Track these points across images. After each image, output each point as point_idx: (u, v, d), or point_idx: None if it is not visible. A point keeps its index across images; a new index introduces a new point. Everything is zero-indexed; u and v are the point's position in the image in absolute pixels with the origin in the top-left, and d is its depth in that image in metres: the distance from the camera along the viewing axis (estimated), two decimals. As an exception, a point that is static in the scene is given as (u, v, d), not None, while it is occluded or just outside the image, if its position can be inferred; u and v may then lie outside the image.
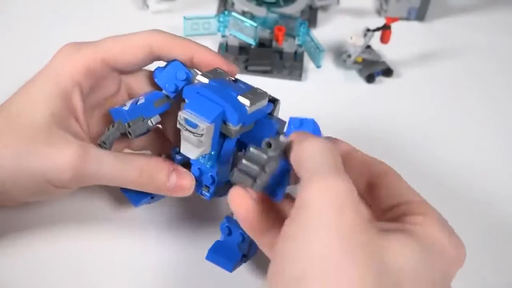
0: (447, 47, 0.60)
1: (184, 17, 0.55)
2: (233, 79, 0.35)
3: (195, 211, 0.41)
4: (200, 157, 0.34)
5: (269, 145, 0.28)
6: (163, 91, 0.37)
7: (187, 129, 0.31)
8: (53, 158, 0.32)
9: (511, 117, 0.53)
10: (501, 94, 0.55)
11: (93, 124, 0.37)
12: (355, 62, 0.55)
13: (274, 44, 0.55)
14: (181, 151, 0.33)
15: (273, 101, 0.36)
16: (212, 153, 0.34)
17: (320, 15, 0.63)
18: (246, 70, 0.54)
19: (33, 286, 0.36)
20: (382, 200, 0.29)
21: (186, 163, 0.36)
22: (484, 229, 0.43)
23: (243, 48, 0.56)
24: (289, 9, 0.58)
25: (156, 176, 0.34)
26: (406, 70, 0.57)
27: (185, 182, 0.35)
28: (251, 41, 0.54)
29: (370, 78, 0.55)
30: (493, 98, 0.55)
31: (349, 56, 0.55)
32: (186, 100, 0.32)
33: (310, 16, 0.62)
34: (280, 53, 0.56)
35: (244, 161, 0.28)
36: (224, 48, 0.56)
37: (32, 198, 0.36)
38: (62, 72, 0.34)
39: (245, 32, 0.54)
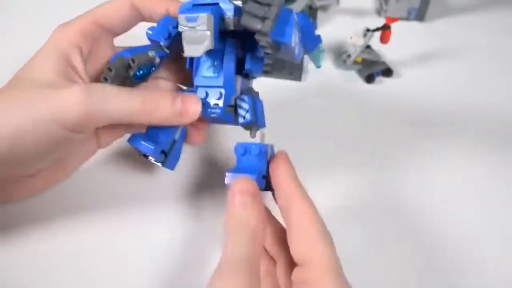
0: (447, 47, 0.60)
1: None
2: None
3: (198, 208, 0.42)
4: (205, 70, 0.36)
5: None
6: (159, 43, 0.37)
7: (189, 27, 0.32)
8: (59, 98, 0.33)
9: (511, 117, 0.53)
10: (501, 93, 0.55)
11: None
12: (355, 62, 0.55)
13: (274, 44, 0.55)
14: (185, 54, 0.34)
15: None
16: (215, 63, 0.35)
17: (320, 15, 0.63)
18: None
19: (32, 280, 0.36)
20: (290, 252, 0.32)
21: None
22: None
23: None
24: (289, 9, 0.58)
25: (160, 103, 0.35)
26: (406, 70, 0.57)
27: (191, 105, 0.35)
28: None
29: (370, 78, 0.55)
30: (494, 98, 0.55)
31: (349, 56, 0.55)
32: (183, 11, 0.34)
33: (310, 16, 0.62)
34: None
35: (249, 2, 0.30)
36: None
37: (47, 157, 0.36)
38: (60, 39, 0.36)
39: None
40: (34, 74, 0.35)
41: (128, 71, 0.37)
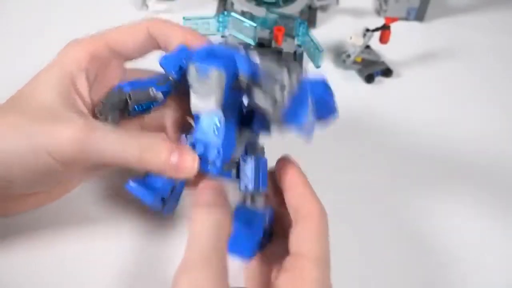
0: (447, 47, 0.60)
1: (184, 18, 0.55)
2: None
3: None
4: (205, 124, 0.33)
5: (288, 70, 0.29)
6: (168, 75, 0.36)
7: (198, 80, 0.31)
8: (55, 132, 0.33)
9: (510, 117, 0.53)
10: (502, 93, 0.55)
11: None
12: (355, 62, 0.55)
13: (273, 44, 0.55)
14: (191, 108, 0.32)
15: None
16: (217, 119, 0.33)
17: (320, 15, 0.63)
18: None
19: None
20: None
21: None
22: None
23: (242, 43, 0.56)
24: (289, 9, 0.58)
25: (157, 153, 0.33)
26: (405, 70, 0.57)
27: (187, 161, 0.34)
28: (251, 41, 0.54)
29: (369, 78, 0.55)
30: (494, 98, 0.55)
31: (349, 56, 0.55)
32: (195, 60, 0.32)
33: (310, 16, 0.62)
34: (280, 53, 0.56)
35: (264, 78, 0.29)
36: (224, 48, 0.56)
37: (38, 182, 0.35)
38: (68, 59, 0.36)
39: (244, 32, 0.54)
40: (35, 95, 0.34)
41: (126, 106, 0.36)
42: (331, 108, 0.33)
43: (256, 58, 0.32)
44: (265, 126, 0.35)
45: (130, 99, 0.35)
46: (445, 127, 0.51)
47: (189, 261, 0.29)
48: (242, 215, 0.34)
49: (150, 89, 0.35)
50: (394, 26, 0.54)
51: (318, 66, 0.55)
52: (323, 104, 0.32)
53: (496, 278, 0.39)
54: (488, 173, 0.47)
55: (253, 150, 0.36)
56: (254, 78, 0.31)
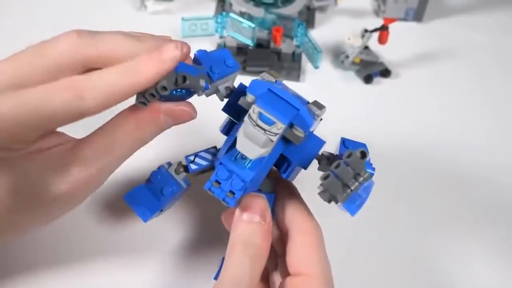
0: (445, 47, 0.60)
1: (182, 18, 0.55)
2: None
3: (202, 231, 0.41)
4: (238, 158, 0.31)
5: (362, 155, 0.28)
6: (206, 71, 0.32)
7: (257, 125, 0.29)
8: None
9: (511, 117, 0.53)
10: (500, 94, 0.55)
11: None
12: (353, 63, 0.55)
13: (272, 45, 0.55)
14: (238, 147, 0.29)
15: None
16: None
17: (318, 16, 0.63)
18: (244, 70, 0.54)
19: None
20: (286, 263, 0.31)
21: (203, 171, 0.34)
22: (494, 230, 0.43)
23: (241, 49, 0.56)
24: (287, 10, 0.58)
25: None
26: (404, 71, 0.57)
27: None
28: (249, 42, 0.54)
29: (368, 79, 0.55)
30: (492, 98, 0.55)
31: (347, 57, 0.55)
32: (251, 95, 0.30)
33: (308, 17, 0.62)
34: (278, 54, 0.56)
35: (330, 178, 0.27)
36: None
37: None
38: (58, 49, 0.31)
39: (243, 33, 0.54)
40: None
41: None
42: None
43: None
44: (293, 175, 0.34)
45: (183, 82, 0.30)
46: (444, 127, 0.51)
47: (221, 285, 0.28)
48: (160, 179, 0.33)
49: (201, 80, 0.31)
50: (392, 27, 0.54)
51: (316, 67, 0.55)
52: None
53: None
54: (487, 173, 0.47)
55: (268, 186, 0.34)
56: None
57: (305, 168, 0.32)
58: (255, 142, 0.29)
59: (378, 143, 0.49)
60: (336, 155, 0.31)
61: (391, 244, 0.41)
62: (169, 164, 0.34)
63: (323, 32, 0.60)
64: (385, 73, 0.55)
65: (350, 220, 0.39)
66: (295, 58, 0.56)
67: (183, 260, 0.39)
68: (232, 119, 0.34)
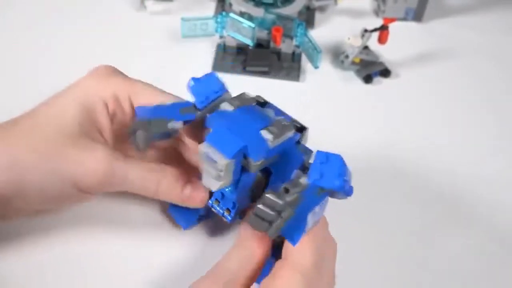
0: (445, 47, 0.60)
1: (182, 18, 0.55)
2: (262, 100, 0.36)
3: None
4: None
5: (286, 190, 0.28)
6: (193, 102, 0.35)
7: (206, 162, 0.30)
8: (83, 161, 0.33)
9: (510, 117, 0.53)
10: (499, 94, 0.55)
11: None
12: (353, 63, 0.55)
13: (272, 45, 0.55)
14: (203, 182, 0.32)
15: (301, 129, 0.35)
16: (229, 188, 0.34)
17: (318, 16, 0.63)
18: (244, 70, 0.54)
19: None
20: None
21: None
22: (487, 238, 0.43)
23: (241, 49, 0.56)
24: (287, 10, 0.58)
25: (172, 189, 0.36)
26: (404, 71, 0.57)
27: (199, 193, 0.36)
28: (249, 42, 0.54)
29: (368, 79, 0.55)
30: (492, 98, 0.55)
31: (347, 56, 0.55)
32: (209, 128, 0.32)
33: (308, 16, 0.62)
34: (278, 54, 0.56)
35: (260, 206, 0.28)
36: (222, 49, 0.56)
37: (49, 205, 0.37)
38: (92, 90, 0.36)
39: (242, 32, 0.54)
40: (57, 120, 0.34)
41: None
42: (345, 192, 0.31)
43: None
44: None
45: (147, 130, 0.33)
46: (444, 127, 0.51)
47: (209, 271, 0.30)
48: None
49: (169, 124, 0.34)
50: (392, 27, 0.54)
51: (316, 67, 0.55)
52: (336, 193, 0.31)
53: None
54: (487, 174, 0.47)
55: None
56: (266, 158, 0.31)
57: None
58: (211, 176, 0.31)
59: (378, 143, 0.49)
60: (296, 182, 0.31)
61: (391, 244, 0.41)
62: None
63: (323, 32, 0.60)
64: (385, 73, 0.55)
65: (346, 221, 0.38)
66: (295, 58, 0.56)
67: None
68: None
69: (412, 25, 0.63)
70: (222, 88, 0.35)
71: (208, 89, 0.35)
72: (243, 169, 0.32)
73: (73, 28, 0.58)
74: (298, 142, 0.34)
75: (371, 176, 0.45)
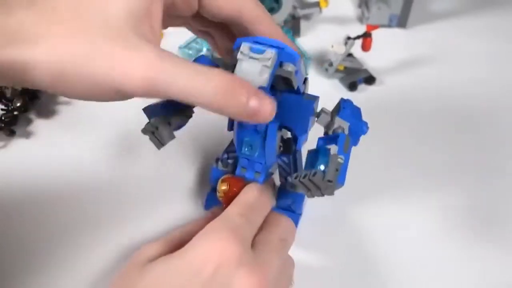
0: (429, 53, 0.61)
1: (179, 47, 0.56)
2: None
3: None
4: (246, 149, 0.36)
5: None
6: None
7: (250, 57, 0.32)
8: (126, 61, 0.29)
9: (497, 122, 0.53)
10: (486, 99, 0.56)
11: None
12: (337, 71, 0.56)
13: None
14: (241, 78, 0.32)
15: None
16: (253, 145, 0.36)
17: (303, 23, 0.63)
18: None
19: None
20: None
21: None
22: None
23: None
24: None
25: (236, 96, 0.30)
26: (388, 77, 0.57)
27: (267, 105, 0.31)
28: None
29: (352, 86, 0.55)
30: (477, 102, 0.55)
31: (331, 64, 0.55)
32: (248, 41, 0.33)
33: (294, 25, 0.62)
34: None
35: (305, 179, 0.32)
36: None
37: (89, 98, 0.31)
38: None
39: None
40: (104, 9, 0.29)
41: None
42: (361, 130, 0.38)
43: None
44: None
45: (168, 123, 0.36)
46: (429, 134, 0.51)
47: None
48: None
49: (185, 111, 0.37)
50: (376, 33, 0.54)
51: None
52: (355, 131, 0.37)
53: None
54: (479, 176, 0.47)
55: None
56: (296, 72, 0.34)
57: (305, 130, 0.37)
58: (252, 74, 0.32)
59: (364, 150, 0.49)
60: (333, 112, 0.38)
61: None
62: (216, 160, 0.41)
63: (309, 40, 0.61)
64: (370, 80, 0.56)
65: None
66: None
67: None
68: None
69: (396, 31, 0.64)
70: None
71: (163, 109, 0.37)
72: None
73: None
74: (303, 93, 0.37)
75: (354, 185, 0.45)
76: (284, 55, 0.33)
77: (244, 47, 0.32)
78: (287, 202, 0.40)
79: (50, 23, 0.29)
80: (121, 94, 0.30)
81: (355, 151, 0.37)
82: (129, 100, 0.31)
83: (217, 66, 0.35)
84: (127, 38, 0.29)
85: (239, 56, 0.32)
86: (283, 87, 0.36)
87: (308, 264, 0.40)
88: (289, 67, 0.33)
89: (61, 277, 0.38)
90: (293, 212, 0.40)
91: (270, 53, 0.32)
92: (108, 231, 0.41)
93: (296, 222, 0.40)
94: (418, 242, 0.42)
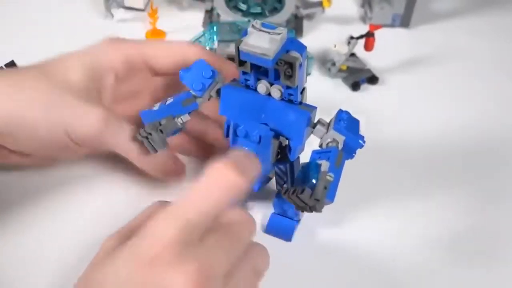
0: (432, 52, 0.61)
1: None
2: None
3: None
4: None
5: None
6: (191, 91, 0.37)
7: (261, 30, 0.32)
8: (82, 112, 0.35)
9: (497, 122, 0.53)
10: (486, 98, 0.56)
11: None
12: (340, 70, 0.56)
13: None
14: (241, 46, 0.32)
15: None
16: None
17: (306, 23, 0.63)
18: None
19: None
20: None
21: None
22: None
23: (231, 59, 0.56)
24: (275, 19, 0.59)
25: (153, 158, 0.38)
26: (391, 77, 0.57)
27: (178, 168, 0.39)
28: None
29: (355, 86, 0.55)
30: (480, 103, 0.55)
31: (334, 64, 0.55)
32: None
33: (296, 25, 0.62)
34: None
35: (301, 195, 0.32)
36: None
37: (40, 151, 0.38)
38: (103, 55, 0.38)
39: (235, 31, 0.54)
40: (63, 75, 0.36)
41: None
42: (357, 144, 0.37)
43: None
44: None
45: (162, 132, 0.37)
46: (432, 133, 0.51)
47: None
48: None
49: (177, 119, 0.37)
50: (379, 33, 0.54)
51: (308, 73, 0.55)
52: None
53: None
54: (477, 177, 0.47)
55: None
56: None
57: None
58: (261, 42, 0.32)
59: (366, 150, 0.49)
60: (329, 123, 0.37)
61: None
62: None
63: (311, 40, 0.61)
64: (372, 79, 0.56)
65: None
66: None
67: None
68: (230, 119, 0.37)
69: (399, 31, 0.64)
70: (214, 72, 0.37)
71: (200, 76, 0.37)
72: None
73: (36, 36, 0.57)
74: (300, 103, 0.37)
75: (356, 185, 0.45)
76: (291, 44, 0.33)
77: (255, 22, 0.33)
78: (284, 208, 0.39)
79: None
80: (70, 138, 0.36)
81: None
82: None
83: (214, 72, 0.37)
84: (82, 96, 0.36)
85: (250, 29, 0.33)
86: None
87: (304, 272, 0.39)
88: (295, 54, 0.33)
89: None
90: (291, 218, 0.40)
91: (281, 29, 0.32)
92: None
93: (293, 229, 0.40)
94: (413, 255, 0.42)
